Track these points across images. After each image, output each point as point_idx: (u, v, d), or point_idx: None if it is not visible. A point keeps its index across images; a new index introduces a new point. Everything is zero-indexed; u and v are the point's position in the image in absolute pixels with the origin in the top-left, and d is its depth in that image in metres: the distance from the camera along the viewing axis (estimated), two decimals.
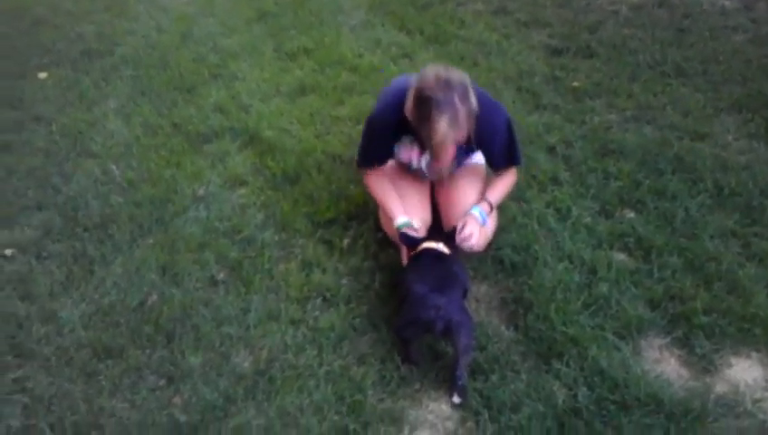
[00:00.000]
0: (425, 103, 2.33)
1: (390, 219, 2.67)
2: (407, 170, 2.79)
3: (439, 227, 2.73)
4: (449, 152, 2.45)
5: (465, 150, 2.64)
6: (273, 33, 4.85)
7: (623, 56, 4.24)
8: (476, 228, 2.53)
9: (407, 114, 2.43)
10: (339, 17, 5.04)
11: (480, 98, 2.44)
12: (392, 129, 2.59)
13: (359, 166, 2.81)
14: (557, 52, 4.35)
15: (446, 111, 2.29)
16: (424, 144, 2.53)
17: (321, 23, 4.95)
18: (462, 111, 2.32)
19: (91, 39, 4.85)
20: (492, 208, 2.66)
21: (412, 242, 2.55)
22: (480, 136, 2.51)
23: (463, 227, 2.52)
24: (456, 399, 2.22)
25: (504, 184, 2.74)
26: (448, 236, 2.53)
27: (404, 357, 2.36)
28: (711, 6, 4.89)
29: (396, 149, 2.70)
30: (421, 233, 2.63)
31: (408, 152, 2.67)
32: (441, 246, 2.50)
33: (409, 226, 2.61)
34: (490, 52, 4.36)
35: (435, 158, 2.51)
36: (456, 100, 2.31)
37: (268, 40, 4.74)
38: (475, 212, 2.58)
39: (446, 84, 2.31)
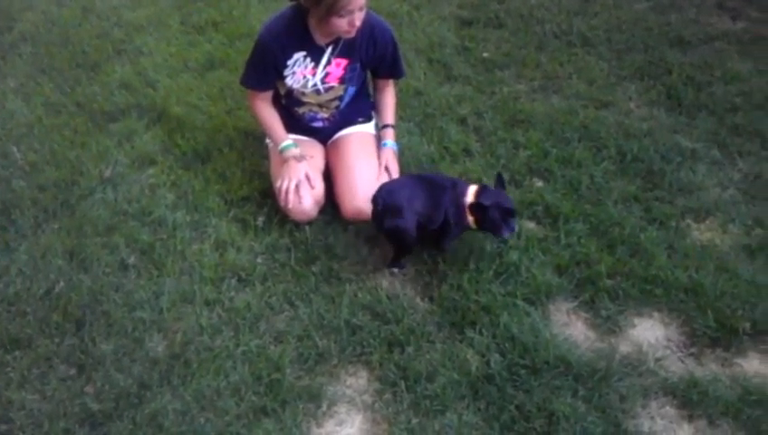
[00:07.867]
0: None
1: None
2: (301, 126, 2.92)
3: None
4: (359, 17, 2.52)
5: (356, 70, 2.79)
6: (179, 5, 4.68)
7: (531, 26, 4.31)
8: (395, 164, 2.87)
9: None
10: None
11: (372, 15, 2.69)
12: (282, 43, 2.66)
13: (244, 84, 2.86)
14: (467, 23, 4.37)
15: None
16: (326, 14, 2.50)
17: None
18: None
19: None
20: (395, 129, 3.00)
21: None
22: (374, 44, 2.71)
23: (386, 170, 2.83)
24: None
25: (393, 102, 3.01)
26: None
27: (394, 263, 2.62)
28: None
29: (288, 73, 2.73)
30: (315, 183, 2.76)
31: (302, 70, 2.72)
32: None
33: (293, 147, 2.80)
34: (401, 23, 4.34)
35: (344, 24, 2.52)
36: None
37: (174, 13, 4.58)
38: (391, 147, 2.91)
39: None
